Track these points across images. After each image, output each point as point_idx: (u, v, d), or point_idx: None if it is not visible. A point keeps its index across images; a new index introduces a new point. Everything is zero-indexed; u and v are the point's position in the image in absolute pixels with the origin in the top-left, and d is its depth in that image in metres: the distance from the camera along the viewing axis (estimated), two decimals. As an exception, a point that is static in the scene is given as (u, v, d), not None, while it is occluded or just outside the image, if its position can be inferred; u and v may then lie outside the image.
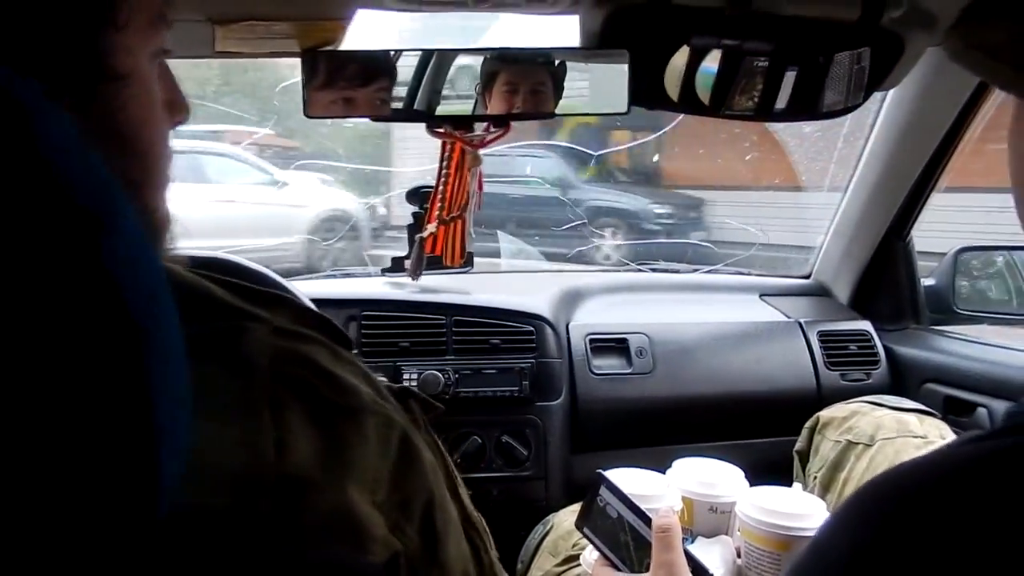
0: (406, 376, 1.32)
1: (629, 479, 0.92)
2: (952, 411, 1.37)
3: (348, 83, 1.08)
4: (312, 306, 0.53)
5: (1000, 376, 1.31)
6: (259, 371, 0.40)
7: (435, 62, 1.09)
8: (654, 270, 1.96)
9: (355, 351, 0.51)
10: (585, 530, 0.82)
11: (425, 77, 1.10)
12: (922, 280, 1.65)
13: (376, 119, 1.08)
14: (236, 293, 0.43)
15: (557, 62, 1.09)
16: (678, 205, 4.58)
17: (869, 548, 0.36)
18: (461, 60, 1.08)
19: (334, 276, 1.73)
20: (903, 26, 1.05)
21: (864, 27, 1.02)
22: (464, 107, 1.11)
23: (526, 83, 1.09)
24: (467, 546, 0.54)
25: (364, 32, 1.11)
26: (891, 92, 1.35)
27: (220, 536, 0.36)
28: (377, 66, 1.06)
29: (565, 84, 1.10)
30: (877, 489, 0.38)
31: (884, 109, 1.41)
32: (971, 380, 1.37)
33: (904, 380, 1.52)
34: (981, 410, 1.32)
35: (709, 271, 1.95)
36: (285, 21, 1.01)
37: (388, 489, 0.44)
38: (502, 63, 1.06)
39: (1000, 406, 1.29)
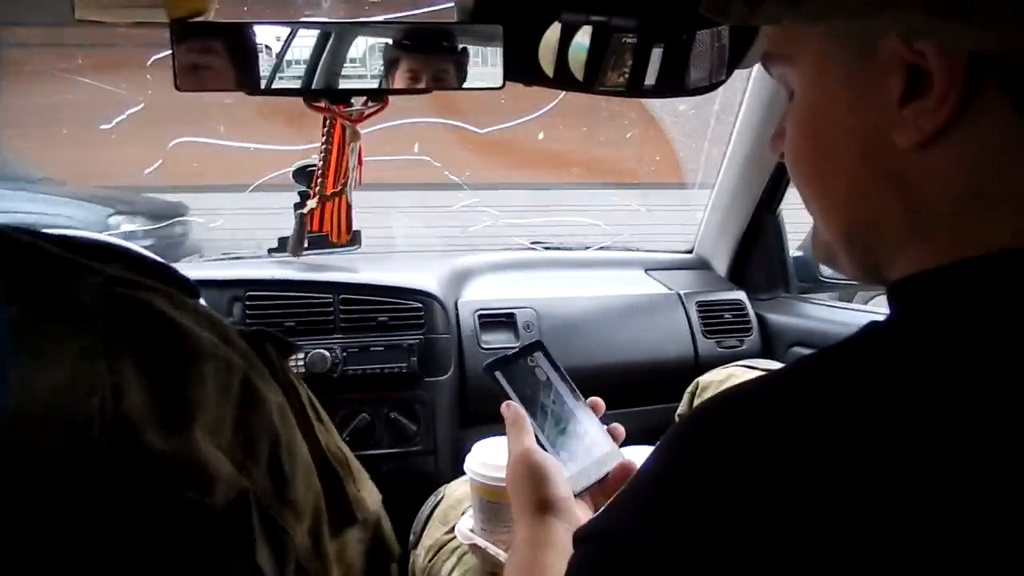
0: (292, 356, 1.30)
1: (500, 447, 0.95)
2: (815, 371, 1.48)
3: (220, 55, 1.06)
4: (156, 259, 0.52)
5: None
6: (94, 319, 0.40)
7: (316, 36, 1.08)
8: (546, 248, 2.00)
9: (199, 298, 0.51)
10: (497, 374, 0.77)
11: (302, 51, 1.09)
12: (791, 251, 1.76)
13: (250, 93, 1.05)
14: (68, 248, 0.42)
15: (461, 47, 1.09)
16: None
17: (677, 473, 0.38)
18: (341, 33, 1.07)
19: (224, 260, 1.68)
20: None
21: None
22: (343, 82, 1.10)
23: (428, 71, 1.09)
24: (319, 484, 0.55)
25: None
26: (754, 70, 1.43)
27: (57, 476, 0.36)
28: (252, 38, 1.04)
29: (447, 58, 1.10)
30: (688, 418, 0.41)
31: (749, 88, 1.49)
32: (830, 342, 1.47)
33: (773, 345, 1.62)
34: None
35: (599, 248, 2.01)
36: (150, -12, 0.97)
37: (231, 430, 0.44)
38: (402, 50, 1.06)
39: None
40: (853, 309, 1.53)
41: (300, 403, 0.58)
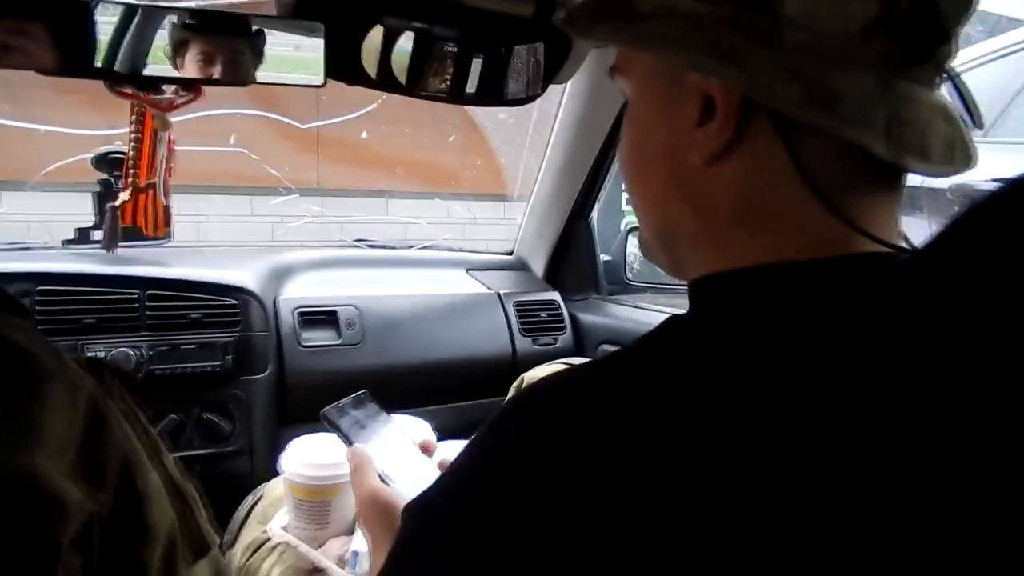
0: (91, 355, 1.22)
1: (315, 447, 0.95)
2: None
3: (11, 29, 0.97)
4: None
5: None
6: None
7: (121, 16, 1.02)
8: (370, 246, 2.00)
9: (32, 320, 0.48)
10: (332, 418, 0.79)
11: (109, 32, 1.02)
12: (601, 255, 1.90)
13: (41, 72, 0.98)
14: None
15: (255, 29, 1.07)
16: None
17: (495, 455, 0.42)
18: (147, 14, 1.02)
19: (8, 249, 1.53)
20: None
21: (538, 24, 1.15)
22: (152, 68, 1.04)
23: (222, 53, 1.05)
24: (172, 511, 0.54)
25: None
26: (568, 85, 1.53)
27: None
28: (45, 12, 0.96)
29: (265, 52, 1.08)
30: (514, 399, 0.46)
31: (563, 102, 1.59)
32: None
33: (584, 342, 1.73)
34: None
35: (423, 247, 2.04)
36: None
37: (77, 452, 0.43)
38: (192, 32, 1.02)
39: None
40: (654, 310, 1.68)
41: (143, 430, 0.56)
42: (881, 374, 0.36)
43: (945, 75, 0.46)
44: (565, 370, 0.46)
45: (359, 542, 0.88)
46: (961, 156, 0.46)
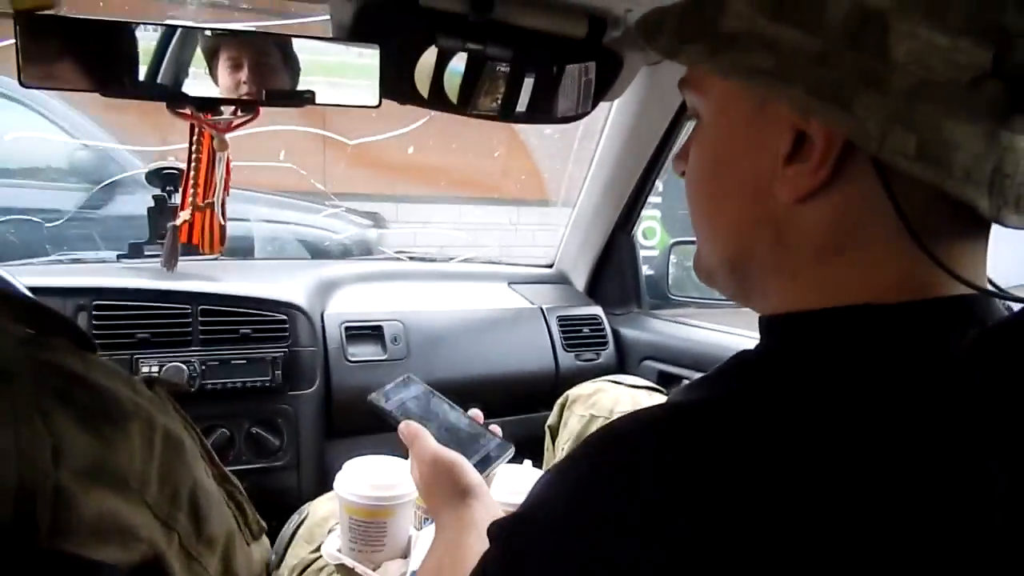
0: (144, 369, 1.24)
1: (371, 467, 0.96)
2: (663, 383, 1.59)
3: (73, 52, 0.99)
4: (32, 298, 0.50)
5: (698, 352, 1.55)
6: (20, 379, 0.39)
7: (178, 38, 1.04)
8: (411, 259, 2.01)
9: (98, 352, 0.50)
10: (376, 403, 0.83)
11: (167, 54, 1.04)
12: (644, 268, 1.89)
13: (105, 94, 1.00)
14: None
15: (285, 48, 1.07)
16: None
17: (592, 485, 0.42)
18: (209, 39, 1.03)
19: (60, 261, 1.56)
20: (622, 45, 1.19)
21: (590, 44, 1.15)
22: (208, 88, 1.06)
23: (249, 57, 1.06)
24: (228, 510, 0.56)
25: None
26: (615, 102, 1.52)
27: (3, 546, 0.35)
28: (109, 37, 0.99)
29: (302, 60, 1.08)
30: (607, 428, 0.45)
31: (610, 117, 1.58)
32: (677, 356, 1.59)
33: (627, 358, 1.72)
34: (685, 382, 1.55)
35: (463, 260, 2.05)
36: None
37: (157, 486, 0.45)
38: (250, 54, 1.03)
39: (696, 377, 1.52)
40: (697, 325, 1.66)
41: (199, 438, 0.58)
42: (973, 426, 0.35)
43: None
44: (646, 411, 0.45)
45: (418, 560, 0.88)
46: None
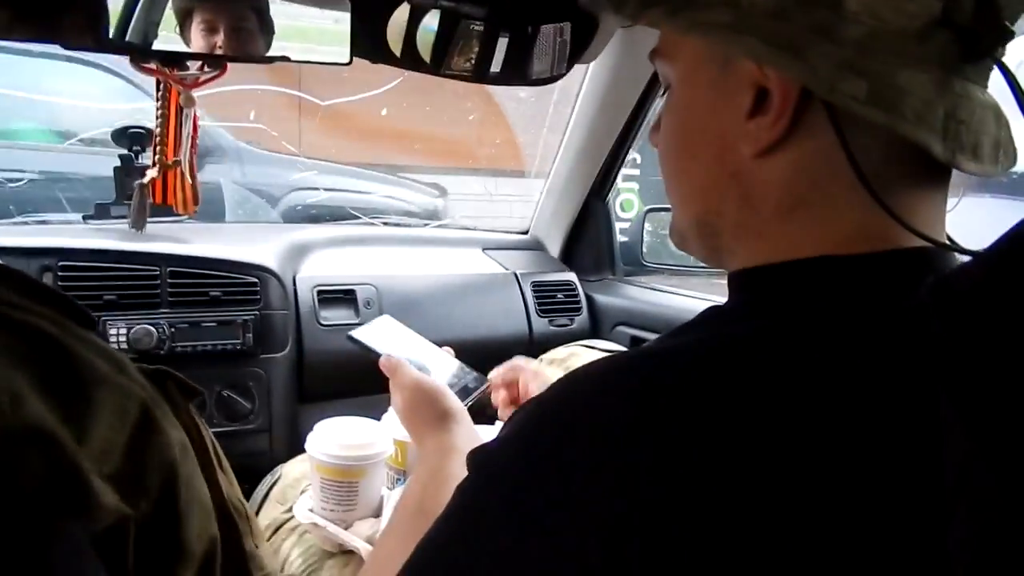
0: (112, 331, 1.22)
1: (342, 427, 0.96)
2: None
3: (33, 2, 0.96)
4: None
5: (671, 317, 1.56)
6: None
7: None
8: (385, 223, 2.00)
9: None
10: (358, 337, 0.86)
11: (136, 10, 1.01)
12: (618, 236, 1.89)
13: (68, 47, 0.97)
14: None
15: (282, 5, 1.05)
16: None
17: (561, 423, 0.42)
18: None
19: (26, 222, 1.52)
20: (597, 6, 1.18)
21: (564, 4, 1.14)
22: (177, 44, 1.03)
23: (225, 20, 1.03)
24: (217, 530, 0.54)
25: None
26: (591, 66, 1.51)
27: None
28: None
29: (277, 25, 1.06)
30: (574, 374, 0.45)
31: (585, 81, 1.57)
32: (649, 322, 1.61)
33: (600, 323, 1.73)
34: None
35: (438, 226, 2.04)
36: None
37: (120, 460, 0.43)
38: (217, 7, 1.00)
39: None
40: (671, 292, 1.67)
41: (203, 446, 0.57)
42: (928, 373, 0.36)
43: (998, 67, 0.45)
44: (620, 354, 0.47)
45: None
46: (1006, 156, 0.46)
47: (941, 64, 0.42)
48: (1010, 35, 0.42)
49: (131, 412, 0.46)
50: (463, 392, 0.83)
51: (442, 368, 0.86)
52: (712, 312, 0.48)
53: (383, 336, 0.88)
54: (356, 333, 0.86)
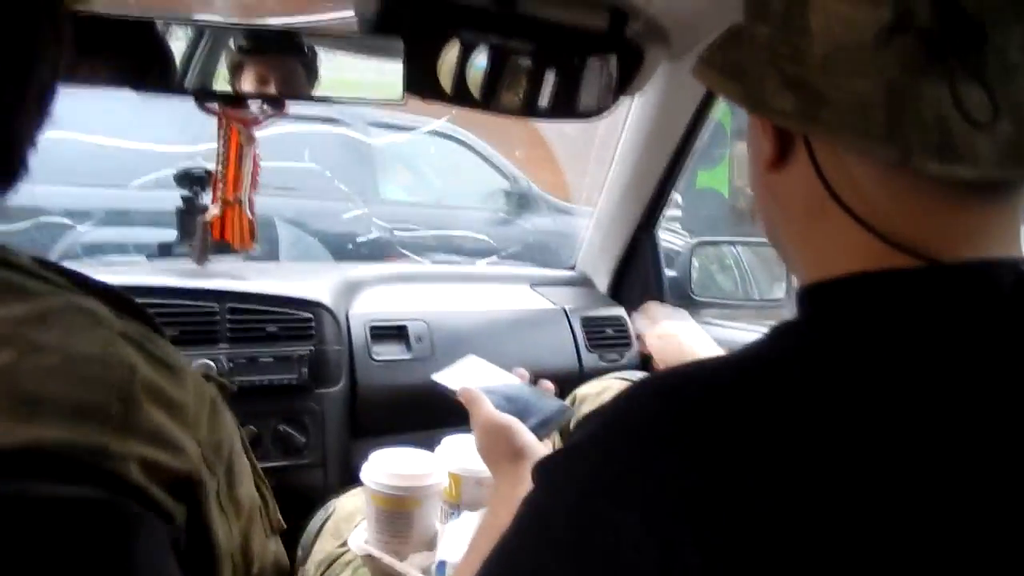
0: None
1: (397, 458, 0.96)
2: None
3: (104, 50, 1.01)
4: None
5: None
6: (107, 319, 0.47)
7: (208, 36, 1.05)
8: (434, 262, 2.02)
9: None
10: (438, 379, 0.88)
11: (196, 50, 1.06)
12: (666, 270, 1.87)
13: (138, 91, 1.02)
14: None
15: (308, 48, 1.09)
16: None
17: (623, 432, 0.43)
18: (234, 36, 1.05)
19: (96, 265, 1.59)
20: (643, 38, 1.20)
21: (611, 36, 1.16)
22: (236, 85, 1.08)
23: (276, 74, 1.08)
24: (255, 492, 0.61)
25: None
26: (636, 98, 1.52)
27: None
28: (137, 33, 1.01)
29: (326, 71, 1.10)
30: (638, 385, 0.47)
31: (631, 114, 1.58)
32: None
33: (650, 358, 1.71)
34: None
35: (487, 263, 2.06)
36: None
37: (207, 430, 0.50)
38: (246, 55, 1.05)
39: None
40: (721, 325, 1.65)
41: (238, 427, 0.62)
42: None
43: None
44: (688, 364, 0.47)
45: (445, 551, 0.88)
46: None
47: (905, 69, 0.41)
48: (978, 29, 0.41)
49: (207, 394, 0.51)
50: (542, 424, 0.83)
51: (522, 401, 0.86)
52: (779, 328, 0.48)
53: (464, 375, 0.89)
54: (437, 375, 0.88)
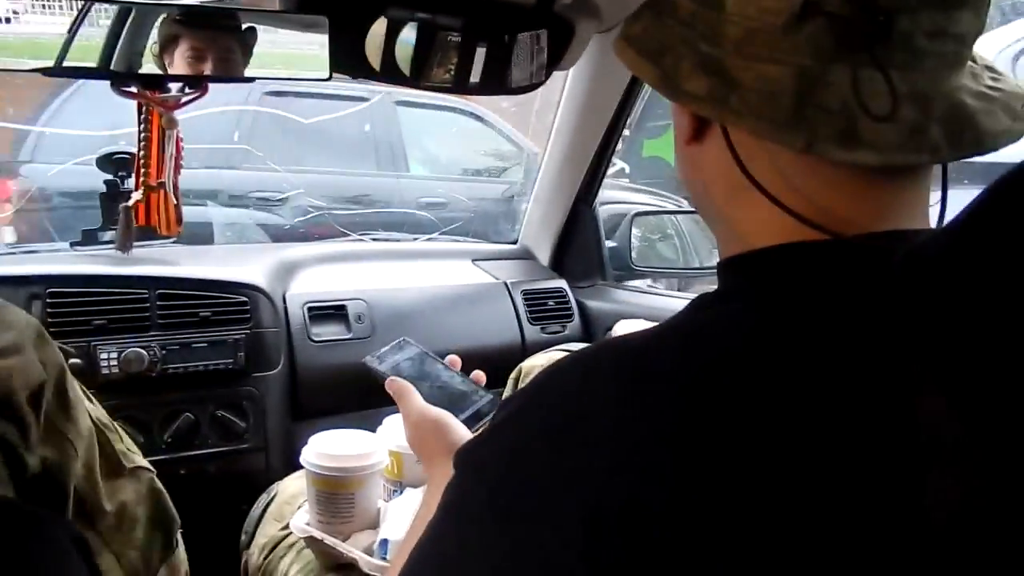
0: (103, 356, 1.22)
1: (336, 439, 0.96)
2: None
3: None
4: None
5: (662, 319, 1.56)
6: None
7: (132, 16, 1.01)
8: (374, 239, 2.00)
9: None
10: (368, 361, 0.84)
11: (121, 37, 1.02)
12: (606, 241, 1.89)
13: (48, 73, 0.98)
14: None
15: (246, 27, 1.06)
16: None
17: (541, 411, 0.43)
18: (145, 12, 1.01)
19: (13, 253, 1.52)
20: (573, 12, 1.19)
21: (540, 11, 1.15)
22: (152, 66, 1.04)
23: (212, 50, 1.04)
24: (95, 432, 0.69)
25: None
26: (570, 72, 1.52)
27: None
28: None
29: (258, 49, 1.07)
30: (556, 364, 0.46)
31: (566, 87, 1.58)
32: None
33: (592, 329, 1.74)
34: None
35: (427, 239, 2.04)
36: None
37: (33, 351, 0.60)
38: (184, 27, 1.01)
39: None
40: (662, 294, 1.68)
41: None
42: (902, 341, 0.36)
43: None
44: (608, 339, 0.49)
45: (388, 529, 0.88)
46: (952, 143, 0.43)
47: (816, 55, 0.42)
48: (886, 14, 0.41)
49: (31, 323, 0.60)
50: (474, 417, 0.81)
51: (455, 393, 0.85)
52: (698, 300, 0.49)
53: (397, 360, 0.87)
54: (369, 359, 0.86)
